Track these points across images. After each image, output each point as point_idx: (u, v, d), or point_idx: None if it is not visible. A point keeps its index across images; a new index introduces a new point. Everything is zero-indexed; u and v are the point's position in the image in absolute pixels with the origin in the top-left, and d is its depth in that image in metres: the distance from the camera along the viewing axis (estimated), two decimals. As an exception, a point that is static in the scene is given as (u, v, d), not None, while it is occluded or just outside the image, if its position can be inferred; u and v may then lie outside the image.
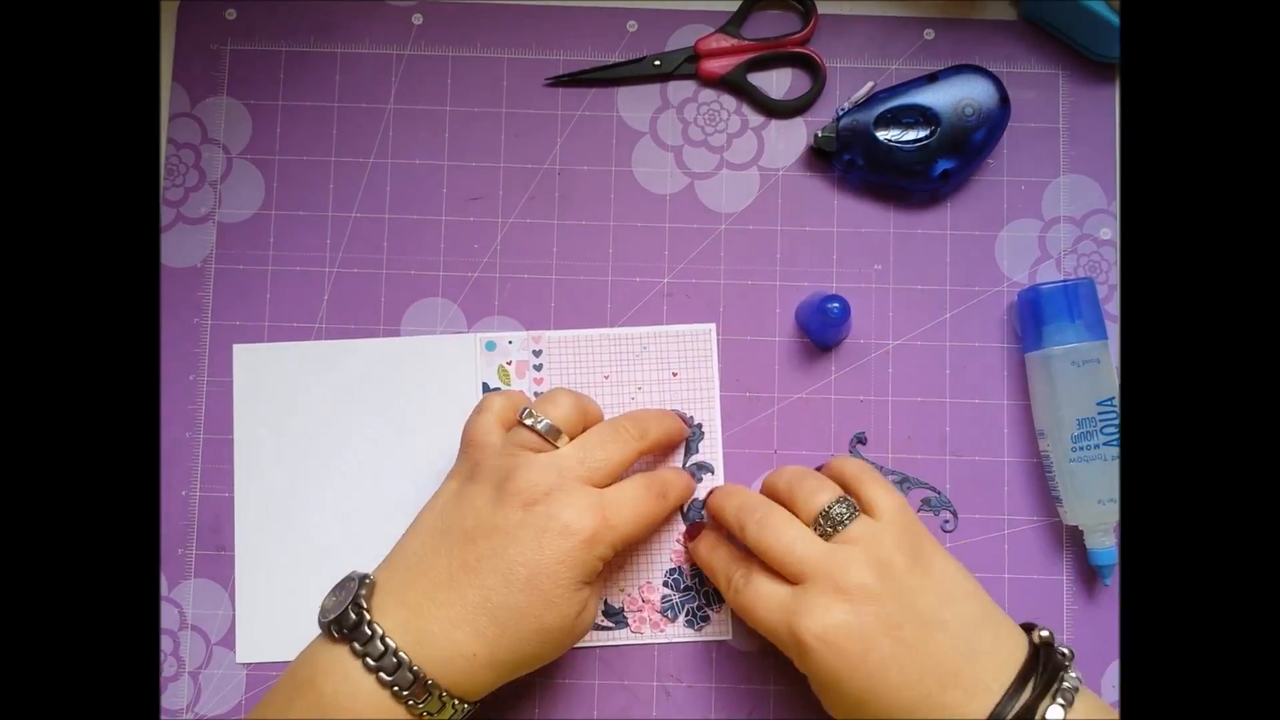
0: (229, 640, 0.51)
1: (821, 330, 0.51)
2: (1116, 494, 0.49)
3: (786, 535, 0.43)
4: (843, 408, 0.53)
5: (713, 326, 0.53)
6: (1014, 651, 0.42)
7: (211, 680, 0.51)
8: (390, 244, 0.53)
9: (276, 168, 0.54)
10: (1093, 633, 0.51)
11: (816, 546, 0.43)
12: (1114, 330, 0.53)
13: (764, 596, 0.43)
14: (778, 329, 0.53)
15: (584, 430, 0.47)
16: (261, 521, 0.52)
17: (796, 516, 0.45)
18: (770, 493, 0.47)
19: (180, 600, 0.51)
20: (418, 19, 0.55)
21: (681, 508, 0.52)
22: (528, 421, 0.45)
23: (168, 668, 0.51)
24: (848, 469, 0.47)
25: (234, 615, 0.51)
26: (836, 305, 0.49)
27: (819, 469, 0.49)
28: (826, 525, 0.44)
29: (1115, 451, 0.49)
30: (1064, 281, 0.51)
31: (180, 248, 0.53)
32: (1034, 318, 0.51)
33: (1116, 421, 0.49)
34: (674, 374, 0.53)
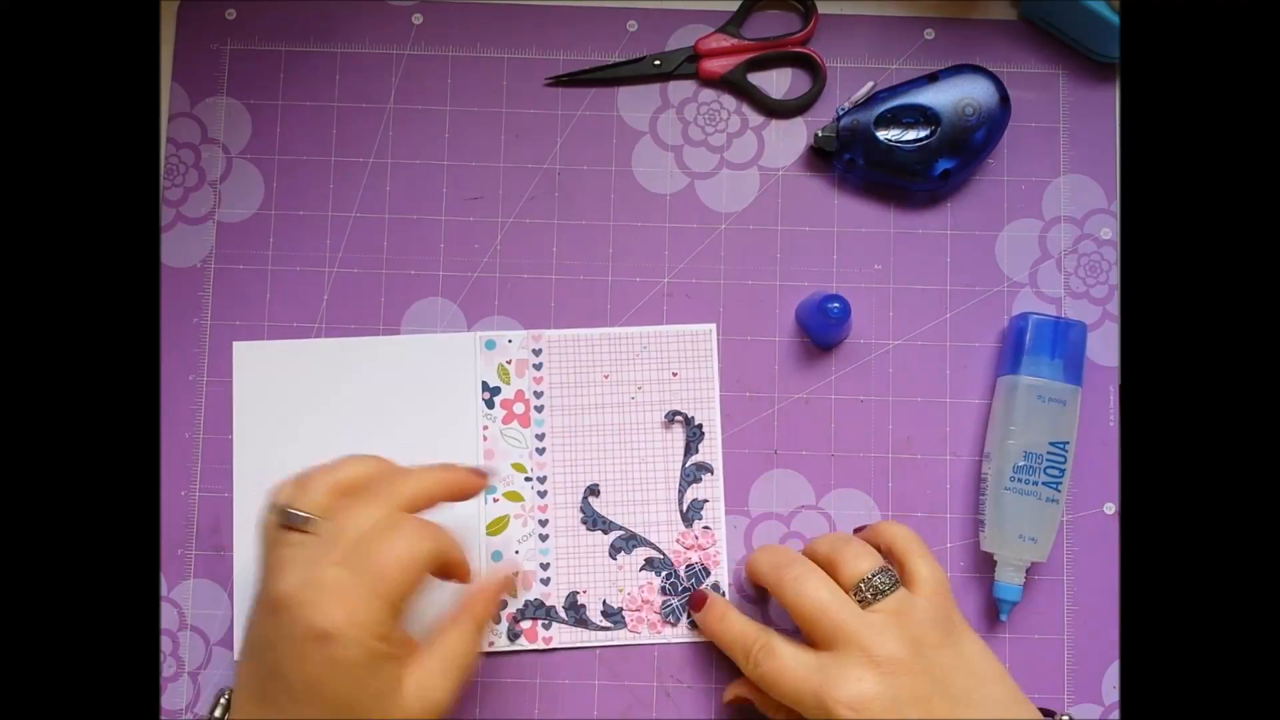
0: (229, 640, 0.51)
1: (821, 330, 0.51)
2: (1039, 534, 0.49)
3: (823, 595, 0.43)
4: (843, 408, 0.53)
5: (713, 327, 0.53)
6: None
7: (211, 681, 0.51)
8: (390, 244, 0.53)
9: (276, 167, 0.54)
10: (1093, 633, 0.51)
11: (853, 613, 0.43)
12: (1110, 334, 0.53)
13: (790, 665, 0.43)
14: (778, 329, 0.53)
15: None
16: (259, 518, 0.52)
17: (835, 580, 0.44)
18: (811, 555, 0.47)
19: (180, 600, 0.51)
20: (417, 19, 0.55)
21: (477, 494, 0.45)
22: (276, 518, 0.40)
23: (167, 668, 0.51)
24: (896, 537, 0.47)
25: (233, 615, 0.51)
26: (836, 305, 0.49)
27: (859, 531, 0.49)
28: (867, 592, 0.43)
29: (1052, 494, 0.49)
30: (1056, 318, 0.51)
31: (180, 248, 0.53)
32: (1017, 343, 0.51)
33: (1063, 466, 0.49)
34: (674, 374, 0.53)
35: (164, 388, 0.52)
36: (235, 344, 0.53)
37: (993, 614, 0.51)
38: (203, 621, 0.51)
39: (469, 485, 0.44)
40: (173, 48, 0.54)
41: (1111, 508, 0.52)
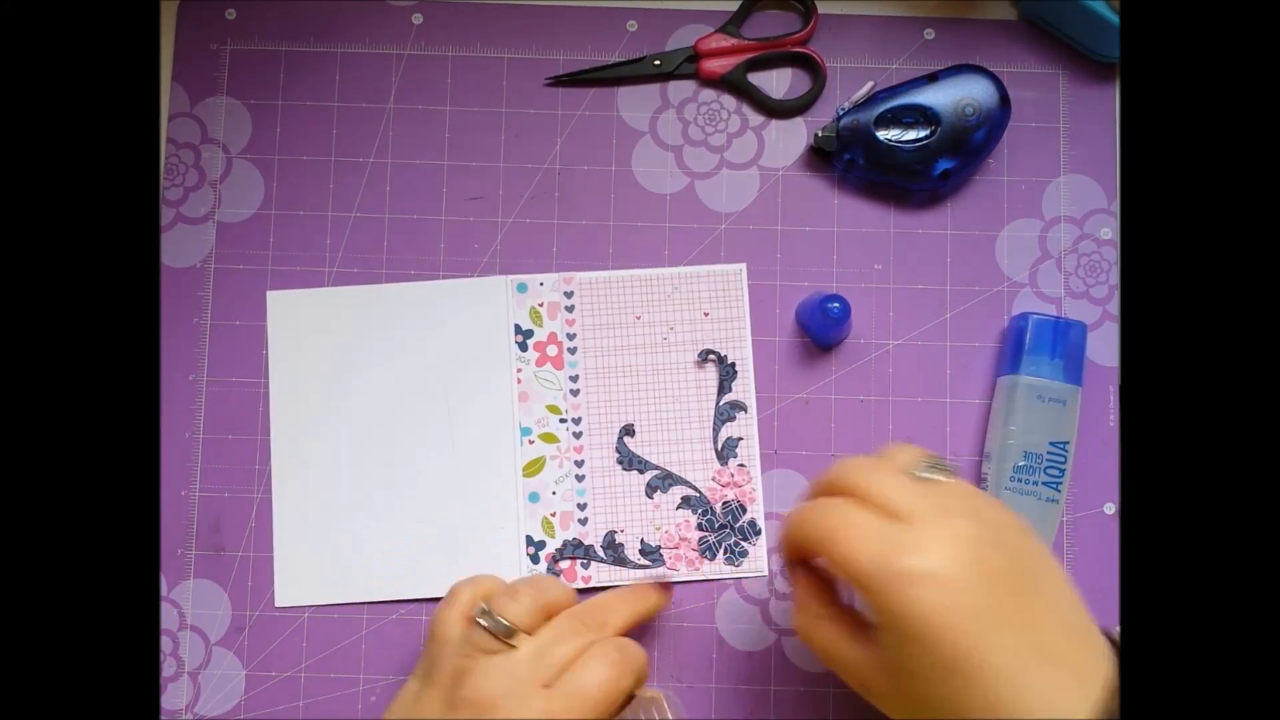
0: (228, 640, 0.51)
1: (821, 330, 0.51)
2: (1039, 534, 0.49)
3: (884, 478, 0.39)
4: (843, 408, 0.53)
5: (743, 266, 0.53)
6: (1103, 642, 0.37)
7: (211, 680, 0.51)
8: (390, 244, 0.53)
9: (276, 167, 0.54)
10: (1093, 633, 0.51)
11: (918, 484, 0.39)
12: (1110, 334, 0.53)
13: (856, 526, 0.37)
14: (778, 329, 0.53)
15: (547, 620, 0.44)
16: (296, 465, 0.52)
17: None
18: (830, 489, 0.41)
19: (180, 600, 0.51)
20: (418, 19, 0.55)
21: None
22: (482, 621, 0.42)
23: (167, 668, 0.51)
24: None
25: (232, 615, 0.51)
26: (836, 305, 0.49)
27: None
28: (930, 472, 0.39)
29: (1052, 494, 0.49)
30: (1057, 318, 0.51)
31: (180, 247, 0.53)
32: (1017, 343, 0.51)
33: (1063, 466, 0.50)
34: (705, 313, 0.53)
35: (164, 388, 0.52)
36: (269, 293, 0.53)
37: (993, 614, 0.51)
38: (202, 621, 0.51)
39: (659, 606, 0.48)
40: (173, 47, 0.54)
41: (1111, 508, 0.52)
